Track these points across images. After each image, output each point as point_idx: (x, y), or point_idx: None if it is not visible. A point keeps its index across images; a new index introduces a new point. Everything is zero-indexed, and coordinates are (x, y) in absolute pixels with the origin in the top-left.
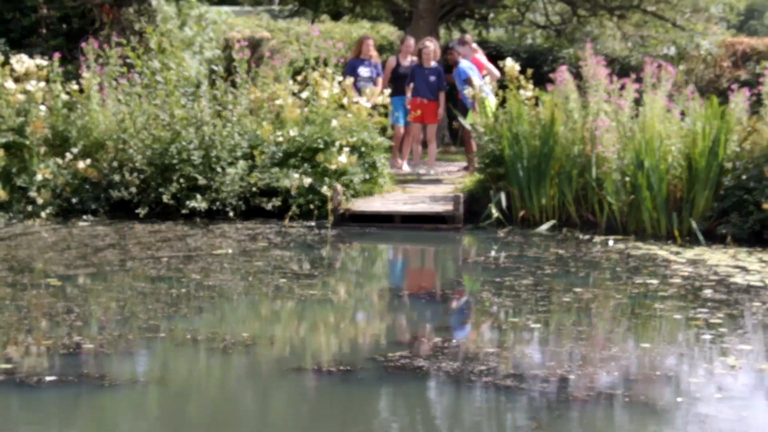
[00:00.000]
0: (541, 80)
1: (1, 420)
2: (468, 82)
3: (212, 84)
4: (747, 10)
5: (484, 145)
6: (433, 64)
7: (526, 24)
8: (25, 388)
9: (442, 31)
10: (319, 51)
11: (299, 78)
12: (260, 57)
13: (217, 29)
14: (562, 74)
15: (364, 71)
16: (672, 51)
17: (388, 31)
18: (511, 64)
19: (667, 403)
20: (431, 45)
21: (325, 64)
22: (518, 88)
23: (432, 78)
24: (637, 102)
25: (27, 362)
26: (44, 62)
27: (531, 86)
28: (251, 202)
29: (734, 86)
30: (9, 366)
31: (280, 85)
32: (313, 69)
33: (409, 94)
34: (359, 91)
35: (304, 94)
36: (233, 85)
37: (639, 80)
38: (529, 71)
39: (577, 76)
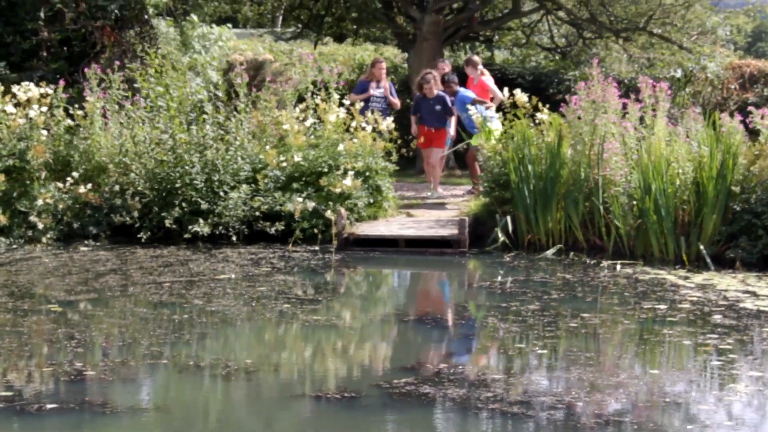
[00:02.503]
0: (546, 103)
1: None
2: (475, 102)
3: (215, 108)
4: (754, 33)
5: (489, 168)
6: (436, 92)
7: (531, 46)
8: (25, 415)
9: (446, 53)
10: (317, 75)
11: (303, 105)
12: (263, 79)
13: (221, 49)
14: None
15: (376, 92)
16: (679, 73)
17: (392, 53)
18: (519, 95)
19: (676, 430)
20: (431, 78)
21: (326, 89)
22: (534, 113)
23: (437, 107)
24: (641, 120)
25: (28, 389)
26: (49, 90)
27: (546, 110)
28: (254, 227)
29: (728, 112)
30: (9, 393)
31: (285, 112)
32: (313, 94)
33: (414, 125)
34: (372, 112)
35: (308, 122)
36: (236, 108)
37: (639, 101)
38: (535, 98)
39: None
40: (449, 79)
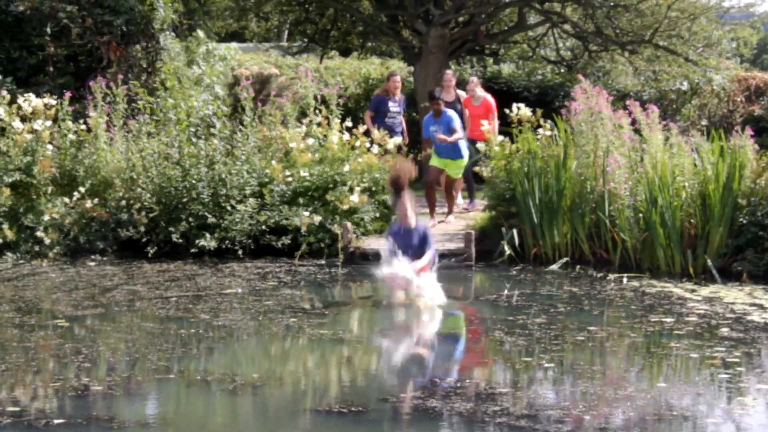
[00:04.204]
0: (552, 116)
1: None
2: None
3: (223, 123)
4: (759, 45)
5: (497, 184)
6: (415, 224)
7: (537, 59)
8: (33, 431)
9: (452, 67)
10: (319, 91)
11: (307, 120)
12: (269, 93)
13: (226, 65)
14: (576, 105)
15: (393, 106)
16: (685, 86)
17: (397, 66)
18: (523, 110)
19: None
20: (407, 203)
21: (326, 105)
22: (537, 127)
23: (414, 242)
24: (638, 132)
25: (35, 404)
26: (53, 101)
27: (549, 125)
28: (261, 241)
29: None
30: (17, 408)
31: (291, 128)
32: (316, 109)
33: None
34: (389, 128)
35: (310, 141)
36: (241, 122)
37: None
38: (540, 111)
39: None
40: (438, 96)
